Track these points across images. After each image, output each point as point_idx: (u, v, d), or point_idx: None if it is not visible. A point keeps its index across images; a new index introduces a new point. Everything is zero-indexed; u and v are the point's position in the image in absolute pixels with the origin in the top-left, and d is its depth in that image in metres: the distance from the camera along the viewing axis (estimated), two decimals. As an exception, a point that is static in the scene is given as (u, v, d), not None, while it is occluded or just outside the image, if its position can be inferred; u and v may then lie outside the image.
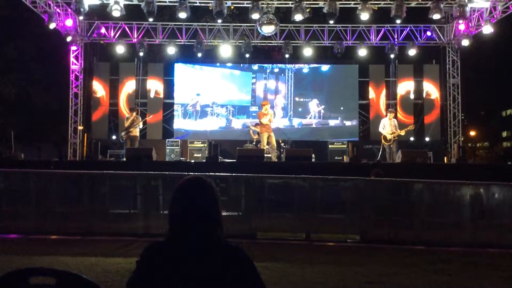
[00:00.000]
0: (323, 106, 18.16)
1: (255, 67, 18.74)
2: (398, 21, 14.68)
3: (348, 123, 18.20)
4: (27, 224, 8.30)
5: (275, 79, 18.84)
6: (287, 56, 17.29)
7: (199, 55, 17.05)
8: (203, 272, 1.94)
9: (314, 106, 18.17)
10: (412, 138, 16.81)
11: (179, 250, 2.01)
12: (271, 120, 13.29)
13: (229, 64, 18.51)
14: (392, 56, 17.24)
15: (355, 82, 18.19)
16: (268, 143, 13.19)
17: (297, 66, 18.65)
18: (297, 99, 18.44)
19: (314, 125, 17.44)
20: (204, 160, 13.52)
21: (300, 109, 18.34)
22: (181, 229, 2.05)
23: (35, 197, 8.66)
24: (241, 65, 18.60)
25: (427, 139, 17.31)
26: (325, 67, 18.71)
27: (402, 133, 13.52)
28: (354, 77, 18.21)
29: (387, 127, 13.52)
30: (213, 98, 18.21)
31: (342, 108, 18.31)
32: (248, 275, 2.00)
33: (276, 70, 18.86)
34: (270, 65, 18.86)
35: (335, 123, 18.29)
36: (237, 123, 18.50)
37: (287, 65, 18.64)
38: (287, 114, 18.50)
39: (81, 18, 15.62)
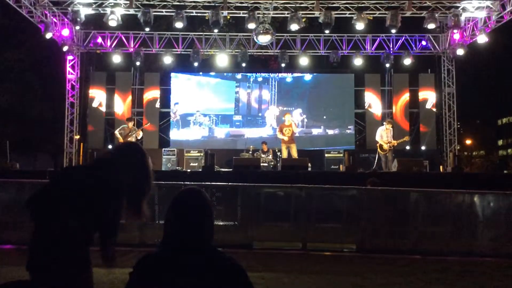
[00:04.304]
0: (305, 116, 18.19)
1: (239, 76, 18.70)
2: (393, 31, 14.78)
3: (331, 132, 18.23)
4: (22, 234, 8.22)
5: (259, 88, 18.72)
6: (283, 65, 17.32)
7: (196, 64, 17.08)
8: (197, 283, 1.94)
9: (297, 115, 18.06)
10: (408, 147, 16.85)
11: (173, 261, 2.00)
12: (289, 133, 13.59)
13: (211, 73, 18.63)
14: (387, 65, 17.32)
15: (351, 91, 18.28)
16: (288, 155, 13.49)
17: (280, 75, 18.68)
18: (280, 108, 18.31)
19: (297, 134, 16.58)
20: (200, 170, 13.52)
21: (283, 118, 17.66)
22: (175, 240, 2.05)
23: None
24: (224, 74, 18.65)
25: (423, 148, 17.36)
26: (308, 76, 18.71)
27: (396, 143, 13.57)
28: (350, 86, 18.30)
29: (384, 136, 13.56)
30: (196, 107, 18.10)
31: (325, 117, 18.34)
32: (241, 286, 2.00)
33: (260, 79, 18.78)
34: (253, 74, 18.82)
35: (318, 132, 18.30)
36: (220, 133, 18.33)
37: (270, 74, 18.85)
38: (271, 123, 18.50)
39: (77, 27, 15.63)
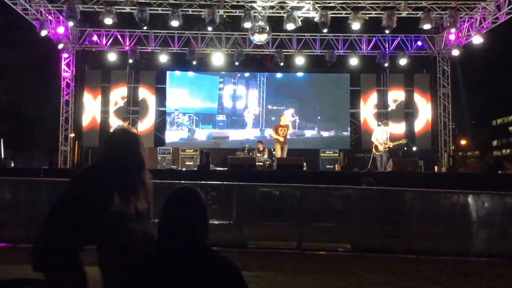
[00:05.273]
0: (297, 117, 17.39)
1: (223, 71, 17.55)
2: (387, 31, 14.78)
3: (326, 134, 17.62)
4: (16, 232, 8.20)
5: (246, 85, 17.56)
6: (282, 64, 17.22)
7: (194, 63, 17.02)
8: (191, 282, 1.94)
9: (289, 116, 16.95)
10: (405, 148, 16.87)
11: (167, 260, 2.00)
12: (284, 133, 13.50)
13: (209, 72, 17.82)
14: (386, 65, 17.33)
15: (347, 91, 18.21)
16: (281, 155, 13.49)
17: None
18: (270, 107, 17.48)
19: (288, 136, 14.94)
20: (195, 169, 13.51)
21: (273, 118, 16.74)
22: (170, 239, 2.05)
23: (24, 205, 8.57)
24: (221, 72, 17.70)
25: (414, 148, 17.42)
26: (300, 73, 18.15)
27: (392, 145, 13.58)
28: (346, 86, 18.22)
29: (380, 137, 13.57)
30: (174, 104, 17.06)
31: (319, 118, 17.93)
32: (235, 285, 1.99)
33: (247, 74, 17.81)
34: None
35: (312, 134, 17.42)
36: (201, 134, 17.05)
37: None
38: (259, 123, 17.51)
39: (71, 24, 15.55)
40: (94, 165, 2.78)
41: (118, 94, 17.61)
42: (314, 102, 18.05)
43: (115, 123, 16.20)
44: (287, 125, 13.73)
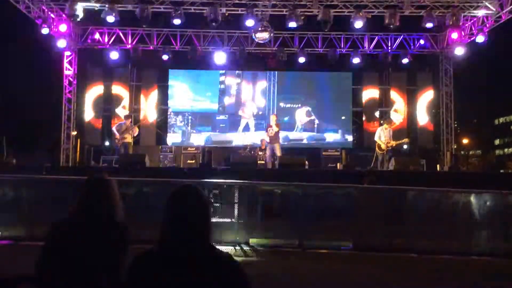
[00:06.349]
0: (314, 116, 16.05)
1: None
2: (389, 30, 14.74)
3: (349, 137, 16.69)
4: (18, 230, 8.22)
5: (252, 79, 15.89)
6: (284, 59, 17.08)
7: (196, 61, 16.97)
8: (194, 281, 1.93)
9: (303, 115, 15.74)
10: (405, 146, 16.84)
11: (170, 259, 1.99)
12: (272, 133, 13.27)
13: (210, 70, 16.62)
14: (386, 64, 17.27)
15: (349, 89, 18.10)
16: (273, 154, 13.34)
17: None
18: (282, 104, 16.11)
19: (305, 141, 14.20)
20: (197, 167, 13.51)
21: (286, 119, 15.32)
22: (173, 238, 2.04)
23: (26, 203, 8.58)
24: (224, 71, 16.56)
25: (416, 147, 17.40)
26: (305, 72, 17.41)
27: (394, 144, 13.53)
28: (348, 85, 18.11)
29: (382, 136, 13.54)
30: (176, 104, 15.79)
31: (344, 118, 17.13)
32: (238, 284, 1.99)
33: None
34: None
35: (335, 139, 16.06)
36: (198, 138, 15.30)
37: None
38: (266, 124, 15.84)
39: (74, 22, 15.53)
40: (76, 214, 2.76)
41: (120, 92, 17.60)
42: (332, 101, 16.57)
43: (115, 121, 16.18)
44: (272, 125, 13.49)
